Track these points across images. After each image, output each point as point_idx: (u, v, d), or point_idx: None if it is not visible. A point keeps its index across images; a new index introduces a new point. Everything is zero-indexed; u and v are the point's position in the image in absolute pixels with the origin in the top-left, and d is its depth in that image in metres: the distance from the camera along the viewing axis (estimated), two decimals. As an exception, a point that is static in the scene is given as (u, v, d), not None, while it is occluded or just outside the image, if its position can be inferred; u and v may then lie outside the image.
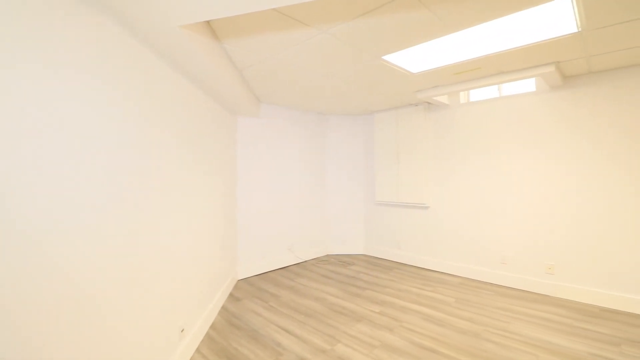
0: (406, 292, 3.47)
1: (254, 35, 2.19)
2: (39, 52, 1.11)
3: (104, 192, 1.41)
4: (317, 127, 4.99)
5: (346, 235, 5.19)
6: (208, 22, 2.04)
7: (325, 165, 5.15)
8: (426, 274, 4.08)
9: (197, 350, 2.35)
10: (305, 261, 4.74)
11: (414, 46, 2.41)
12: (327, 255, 5.09)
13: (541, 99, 3.39)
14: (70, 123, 1.24)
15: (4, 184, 0.99)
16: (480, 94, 3.96)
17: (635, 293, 2.86)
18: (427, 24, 2.06)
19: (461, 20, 2.01)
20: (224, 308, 3.09)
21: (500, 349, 2.31)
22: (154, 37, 1.71)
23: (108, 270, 1.43)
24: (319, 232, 5.03)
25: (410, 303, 3.16)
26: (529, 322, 2.73)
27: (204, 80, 2.47)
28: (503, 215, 3.65)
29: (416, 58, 2.69)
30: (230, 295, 3.44)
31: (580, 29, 2.17)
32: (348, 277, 3.98)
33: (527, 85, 3.56)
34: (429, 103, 4.25)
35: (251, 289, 3.62)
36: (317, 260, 4.82)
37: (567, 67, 2.92)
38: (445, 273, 4.12)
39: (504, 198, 3.64)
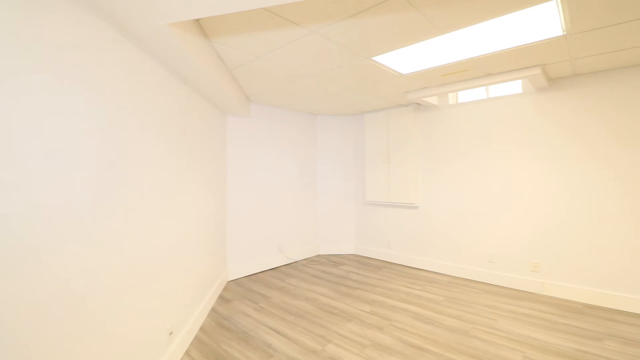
0: (396, 291, 3.50)
1: (244, 34, 2.17)
2: (21, 50, 1.08)
3: (90, 194, 1.38)
4: (308, 127, 4.98)
5: (337, 235, 5.20)
6: (197, 20, 2.01)
7: (315, 165, 5.15)
8: (415, 273, 4.12)
9: (186, 353, 2.32)
10: (296, 261, 4.73)
11: (403, 47, 2.43)
12: (318, 255, 5.09)
13: (527, 101, 3.46)
14: (54, 123, 1.20)
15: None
16: (469, 95, 4.02)
17: (616, 290, 2.94)
18: (416, 26, 2.08)
19: (450, 22, 2.03)
20: (213, 310, 3.06)
21: (487, 346, 2.36)
22: (143, 34, 1.68)
23: (94, 272, 1.39)
24: (310, 232, 5.02)
25: (400, 302, 3.19)
26: (516, 319, 2.78)
27: (193, 79, 2.44)
28: (490, 215, 3.72)
29: (406, 59, 2.72)
30: (220, 296, 3.40)
31: (565, 32, 2.22)
32: (338, 277, 3.99)
33: (513, 87, 3.63)
34: (419, 104, 4.29)
35: (241, 290, 3.59)
36: (308, 260, 4.82)
37: (552, 70, 2.99)
38: (434, 272, 4.17)
39: (492, 198, 3.71)
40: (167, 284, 2.10)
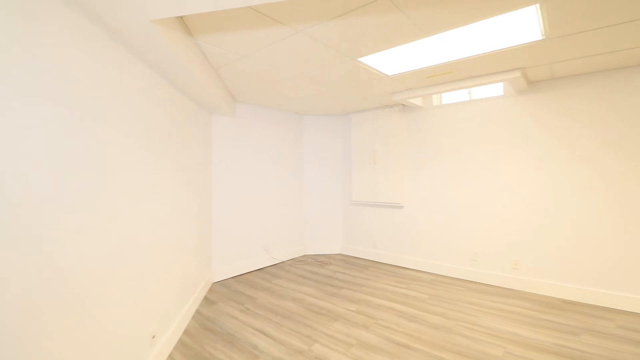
0: (382, 290, 3.53)
1: (229, 32, 2.14)
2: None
3: (64, 193, 1.33)
4: (295, 127, 4.97)
5: (323, 235, 5.21)
6: (181, 18, 1.97)
7: (302, 165, 5.14)
8: (401, 272, 4.17)
9: (170, 357, 2.28)
10: (283, 262, 4.71)
11: (389, 49, 2.45)
12: (305, 256, 5.08)
13: (508, 103, 3.56)
14: (29, 122, 1.15)
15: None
16: (452, 97, 4.10)
17: (593, 286, 3.06)
18: (401, 28, 2.11)
19: (433, 25, 2.07)
20: (198, 312, 3.01)
21: (470, 342, 2.41)
22: (124, 31, 1.64)
23: (71, 274, 1.35)
24: (296, 232, 5.01)
25: (386, 300, 3.22)
26: (497, 315, 2.85)
27: (177, 77, 2.39)
28: (473, 214, 3.80)
29: (391, 61, 2.74)
30: (205, 298, 3.35)
31: (544, 37, 2.29)
32: (325, 277, 3.99)
33: (495, 89, 3.72)
34: (404, 105, 4.34)
35: (227, 291, 3.55)
36: (295, 260, 4.80)
37: (531, 73, 3.08)
38: (419, 270, 4.23)
39: (474, 197, 3.79)
40: (148, 286, 2.06)
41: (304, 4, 1.80)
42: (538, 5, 1.88)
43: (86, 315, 1.43)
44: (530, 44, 2.40)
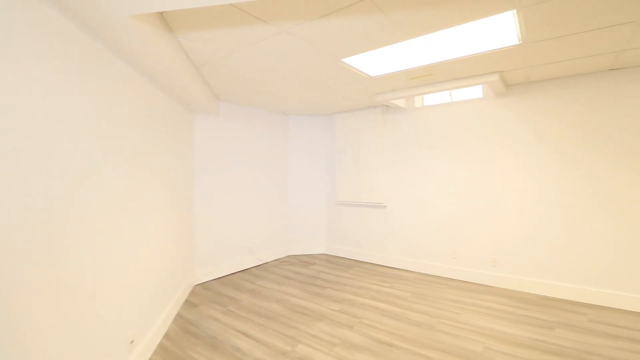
0: (365, 289, 3.56)
1: (211, 30, 2.11)
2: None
3: (34, 196, 1.27)
4: (279, 127, 4.94)
5: (308, 236, 5.20)
6: (161, 13, 1.93)
7: (287, 165, 5.11)
8: (384, 271, 4.22)
9: (149, 362, 2.21)
10: (267, 263, 4.67)
11: (372, 50, 2.47)
12: (289, 256, 5.06)
13: (487, 105, 3.66)
14: (-4, 117, 1.10)
15: None
16: (434, 99, 4.18)
17: (567, 282, 3.19)
18: (383, 29, 2.13)
19: (414, 27, 2.10)
20: (179, 315, 2.94)
21: (451, 339, 2.46)
22: (101, 26, 1.58)
23: (41, 277, 1.29)
24: (281, 233, 4.98)
25: (370, 300, 3.25)
26: (477, 312, 2.93)
27: (157, 75, 2.33)
28: (453, 213, 3.89)
29: (374, 62, 2.77)
30: (187, 301, 3.28)
31: (521, 42, 2.37)
32: (309, 277, 3.98)
33: (475, 92, 3.82)
34: (387, 106, 4.39)
35: (209, 293, 3.48)
36: (279, 261, 4.77)
37: (509, 76, 3.18)
38: (402, 269, 4.29)
39: (454, 197, 3.88)
40: (128, 290, 1.99)
41: (288, 3, 1.79)
42: (515, 11, 1.95)
43: (57, 320, 1.37)
44: (507, 48, 2.48)
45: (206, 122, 3.90)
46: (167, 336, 2.56)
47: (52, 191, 1.35)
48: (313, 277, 4.01)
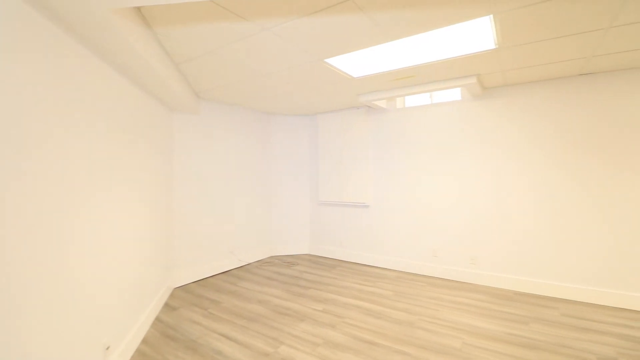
0: (348, 288, 3.58)
1: (190, 26, 2.06)
2: None
3: (3, 197, 1.21)
4: (262, 127, 4.89)
5: (291, 236, 5.18)
6: (139, 8, 1.87)
7: (269, 165, 5.07)
8: (367, 270, 4.26)
9: (126, 368, 2.14)
10: (249, 264, 4.62)
11: (354, 51, 2.49)
12: (272, 257, 5.02)
13: (465, 107, 3.76)
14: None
15: None
16: (415, 100, 4.26)
17: (541, 278, 3.32)
18: (365, 31, 2.15)
19: (394, 30, 2.13)
20: (158, 319, 2.87)
21: (431, 335, 2.51)
22: (75, 19, 1.52)
23: (8, 281, 1.22)
24: (263, 233, 4.94)
25: (352, 299, 3.27)
26: (456, 308, 3.00)
27: (133, 71, 2.26)
28: (434, 213, 3.97)
29: (357, 63, 2.79)
30: (166, 304, 3.20)
31: (497, 46, 2.45)
32: (292, 278, 3.97)
33: (454, 94, 3.92)
34: (370, 107, 4.44)
35: (189, 296, 3.41)
36: (261, 262, 4.73)
37: (486, 80, 3.28)
38: (384, 268, 4.34)
39: (435, 197, 3.96)
40: (100, 294, 1.92)
41: (270, 1, 1.77)
42: (492, 16, 2.01)
43: (27, 326, 1.30)
44: (484, 52, 2.56)
45: (186, 120, 3.81)
46: (145, 341, 2.49)
47: (23, 196, 1.28)
48: (296, 277, 4.00)
